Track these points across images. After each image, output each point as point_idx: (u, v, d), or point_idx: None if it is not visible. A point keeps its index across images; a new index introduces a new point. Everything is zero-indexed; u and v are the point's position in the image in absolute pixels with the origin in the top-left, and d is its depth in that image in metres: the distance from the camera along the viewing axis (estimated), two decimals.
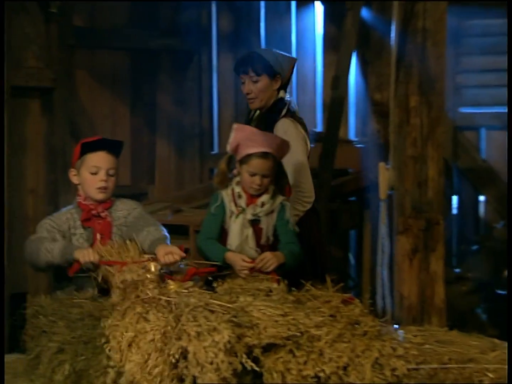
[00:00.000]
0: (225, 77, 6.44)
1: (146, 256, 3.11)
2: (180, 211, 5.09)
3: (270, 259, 3.36)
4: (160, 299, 2.80)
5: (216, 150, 6.57)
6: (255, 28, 6.21)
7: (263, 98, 3.80)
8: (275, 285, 3.18)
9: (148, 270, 2.96)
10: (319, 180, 4.90)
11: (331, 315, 2.92)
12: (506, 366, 2.71)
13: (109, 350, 2.67)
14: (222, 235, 3.51)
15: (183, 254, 3.07)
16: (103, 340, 2.71)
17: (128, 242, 3.22)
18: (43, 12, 5.13)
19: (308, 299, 3.08)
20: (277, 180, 3.56)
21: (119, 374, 2.64)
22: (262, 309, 2.84)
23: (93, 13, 5.67)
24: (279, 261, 3.38)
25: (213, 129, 6.56)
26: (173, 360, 2.59)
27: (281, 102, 3.81)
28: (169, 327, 2.65)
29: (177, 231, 4.39)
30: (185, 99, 6.44)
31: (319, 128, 6.00)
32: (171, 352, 2.60)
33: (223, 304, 2.78)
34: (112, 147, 3.35)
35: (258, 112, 3.89)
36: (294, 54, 6.09)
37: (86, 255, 3.11)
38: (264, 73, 3.77)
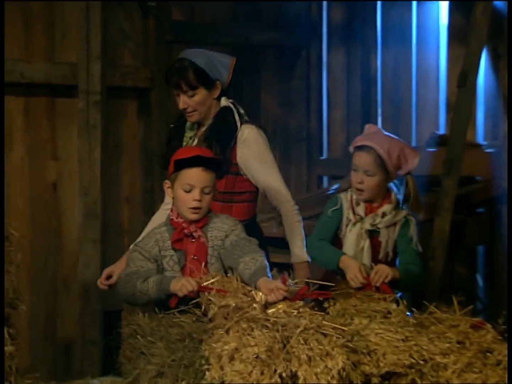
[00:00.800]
0: (336, 74, 6.44)
1: (249, 288, 3.10)
2: None
3: (385, 270, 3.32)
4: (266, 319, 2.82)
5: (325, 155, 6.56)
6: (370, 19, 6.18)
7: (203, 111, 3.66)
8: (394, 306, 3.15)
9: (253, 299, 2.98)
10: (443, 188, 4.83)
11: (458, 342, 2.88)
12: None
13: (207, 361, 2.71)
14: (336, 245, 3.51)
15: (286, 288, 3.03)
16: (203, 362, 2.75)
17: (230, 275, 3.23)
18: (140, 7, 5.24)
19: (431, 322, 3.05)
20: (406, 197, 3.53)
21: None
22: (380, 333, 2.83)
23: (192, 6, 5.77)
24: (394, 275, 3.34)
25: (322, 132, 6.56)
26: (279, 380, 2.61)
27: (226, 111, 3.68)
28: (276, 346, 2.67)
29: (283, 245, 4.40)
30: (291, 99, 6.47)
31: (442, 130, 5.91)
32: (278, 371, 2.62)
33: (337, 326, 2.78)
34: (209, 163, 3.38)
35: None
36: (414, 47, 6.04)
37: (183, 287, 3.10)
38: (200, 85, 3.62)
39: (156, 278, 3.21)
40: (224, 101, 3.70)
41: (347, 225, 3.49)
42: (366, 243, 3.45)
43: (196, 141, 3.72)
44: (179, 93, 3.64)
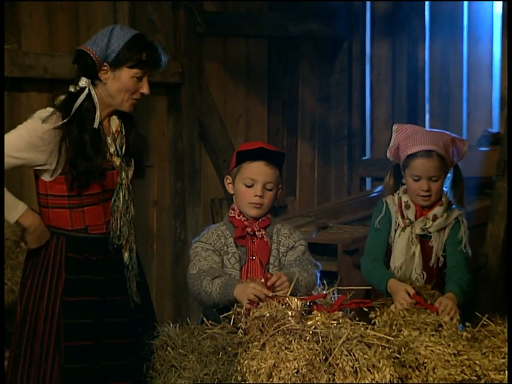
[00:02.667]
0: (380, 67, 6.43)
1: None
2: (326, 227, 5.11)
3: (453, 308, 3.27)
4: (304, 330, 2.83)
5: (368, 155, 6.56)
6: (417, 8, 6.16)
7: None
8: (446, 319, 3.14)
9: (289, 306, 3.00)
10: (496, 191, 4.80)
11: None
12: None
13: (243, 378, 2.73)
14: (388, 252, 3.51)
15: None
16: (239, 378, 2.76)
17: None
18: None
19: (485, 336, 3.03)
20: (453, 188, 3.52)
21: None
22: (430, 346, 2.82)
23: None
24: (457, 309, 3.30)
25: (364, 130, 6.56)
26: None
27: None
28: (317, 359, 2.68)
29: (323, 251, 4.41)
30: (331, 94, 6.47)
31: (496, 128, 5.88)
32: None
33: (383, 336, 2.79)
34: (273, 157, 3.39)
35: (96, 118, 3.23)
36: (465, 38, 6.02)
37: (249, 294, 3.08)
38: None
39: (221, 281, 3.22)
40: None
41: (396, 231, 3.49)
42: (417, 249, 3.44)
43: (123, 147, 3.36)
44: (144, 77, 3.28)
